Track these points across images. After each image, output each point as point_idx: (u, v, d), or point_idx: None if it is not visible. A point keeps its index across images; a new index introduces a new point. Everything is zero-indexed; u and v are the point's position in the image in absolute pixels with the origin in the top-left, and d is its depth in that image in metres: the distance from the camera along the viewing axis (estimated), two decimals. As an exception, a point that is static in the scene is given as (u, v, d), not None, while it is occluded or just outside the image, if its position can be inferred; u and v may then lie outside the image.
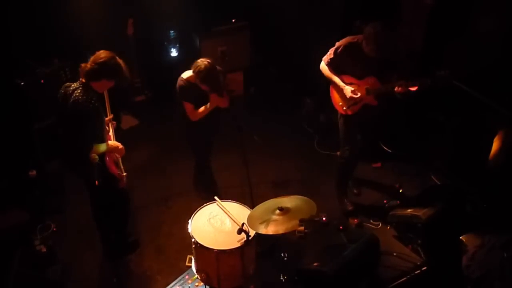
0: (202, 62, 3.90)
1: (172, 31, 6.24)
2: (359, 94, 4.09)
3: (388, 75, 4.06)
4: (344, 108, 4.24)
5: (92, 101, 3.32)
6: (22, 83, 4.66)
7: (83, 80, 3.39)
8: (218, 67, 4.05)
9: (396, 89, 3.93)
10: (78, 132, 3.38)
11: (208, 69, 3.88)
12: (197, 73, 3.90)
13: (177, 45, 6.33)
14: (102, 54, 3.37)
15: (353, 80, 4.17)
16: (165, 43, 6.31)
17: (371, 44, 3.80)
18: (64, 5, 5.14)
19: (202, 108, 4.11)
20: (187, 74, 4.10)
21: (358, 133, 4.46)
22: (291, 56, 6.17)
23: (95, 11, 5.32)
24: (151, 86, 6.27)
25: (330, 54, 4.15)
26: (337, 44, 4.12)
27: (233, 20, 6.08)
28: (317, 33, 5.51)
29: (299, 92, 6.19)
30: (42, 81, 4.78)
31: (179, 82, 4.10)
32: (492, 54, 4.45)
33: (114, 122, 3.90)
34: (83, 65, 3.37)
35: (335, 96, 4.30)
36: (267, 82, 6.47)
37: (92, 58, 3.37)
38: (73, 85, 3.42)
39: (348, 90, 4.10)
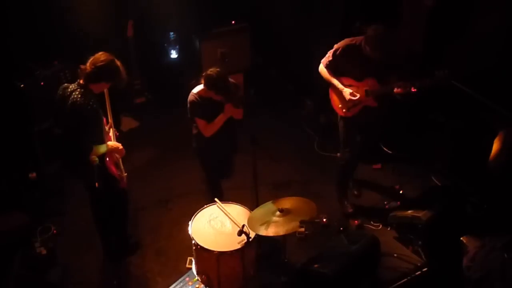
0: (211, 71, 3.82)
1: (172, 33, 6.24)
2: (358, 96, 4.08)
3: (387, 76, 4.06)
4: (344, 110, 4.23)
5: (91, 103, 3.31)
6: (22, 85, 4.66)
7: (82, 82, 3.39)
8: (231, 80, 3.99)
9: (395, 90, 3.93)
10: (77, 134, 3.38)
11: (219, 74, 3.81)
12: (209, 84, 3.80)
13: (177, 47, 6.32)
14: (101, 56, 3.36)
15: (352, 82, 4.17)
16: (165, 44, 6.31)
17: (371, 47, 3.80)
18: (64, 7, 5.14)
19: (216, 120, 3.96)
20: (197, 89, 3.99)
21: (358, 134, 4.46)
22: (291, 57, 6.18)
23: (95, 13, 5.31)
24: (151, 88, 6.26)
25: (328, 56, 4.15)
26: (336, 46, 4.11)
27: (233, 22, 6.08)
28: (317, 34, 5.50)
29: (299, 93, 6.19)
30: (42, 83, 4.78)
31: (190, 97, 3.98)
32: (492, 55, 4.45)
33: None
34: (82, 67, 3.37)
35: (334, 98, 4.30)
36: (267, 84, 6.47)
37: (91, 61, 3.36)
38: (71, 87, 3.41)
39: (347, 92, 4.09)
